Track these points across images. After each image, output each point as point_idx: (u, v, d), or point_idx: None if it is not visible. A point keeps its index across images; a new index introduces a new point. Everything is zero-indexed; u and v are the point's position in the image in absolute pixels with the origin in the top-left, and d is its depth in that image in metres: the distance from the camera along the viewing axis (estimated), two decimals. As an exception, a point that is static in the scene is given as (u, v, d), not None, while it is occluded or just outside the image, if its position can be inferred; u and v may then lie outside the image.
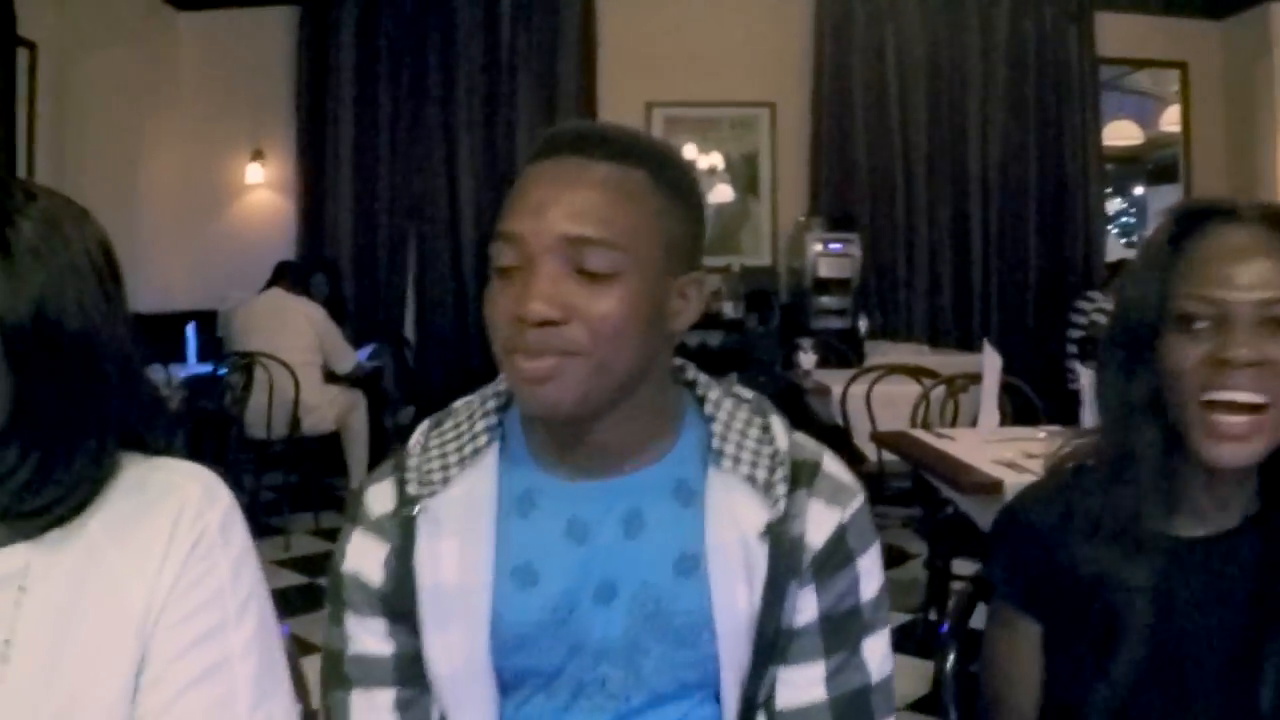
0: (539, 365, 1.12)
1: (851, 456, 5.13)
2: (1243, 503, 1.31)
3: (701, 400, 1.28)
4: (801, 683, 1.22)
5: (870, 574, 1.24)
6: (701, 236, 1.24)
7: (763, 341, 7.46)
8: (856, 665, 1.23)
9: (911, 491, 4.80)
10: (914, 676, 3.59)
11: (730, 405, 1.27)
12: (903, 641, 4.03)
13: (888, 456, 4.49)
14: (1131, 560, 1.27)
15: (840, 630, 1.22)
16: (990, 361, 4.00)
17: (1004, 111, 8.30)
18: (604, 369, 1.14)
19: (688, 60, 8.19)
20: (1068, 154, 8.36)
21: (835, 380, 5.41)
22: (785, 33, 8.29)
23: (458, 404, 1.30)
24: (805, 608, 1.21)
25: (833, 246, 7.59)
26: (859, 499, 1.24)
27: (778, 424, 1.25)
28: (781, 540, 1.19)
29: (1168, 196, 9.03)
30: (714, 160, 8.39)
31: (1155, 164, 10.11)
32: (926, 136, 8.26)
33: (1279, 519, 1.30)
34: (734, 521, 1.19)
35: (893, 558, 5.48)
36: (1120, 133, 9.25)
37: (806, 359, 5.87)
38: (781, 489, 1.20)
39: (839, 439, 5.23)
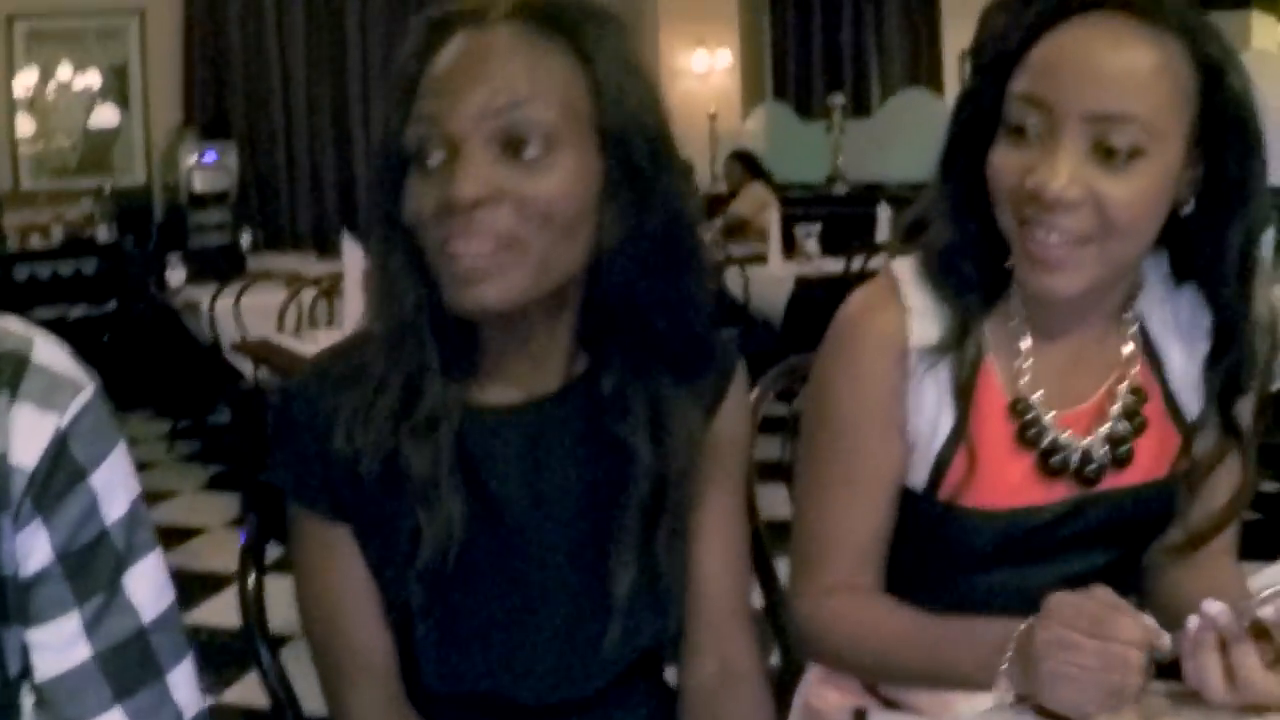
0: None
1: (225, 374, 4.87)
2: (564, 364, 1.12)
3: None
4: (57, 643, 0.94)
5: (115, 488, 0.96)
6: None
7: (139, 264, 6.92)
8: (122, 606, 0.96)
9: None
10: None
11: None
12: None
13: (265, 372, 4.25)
14: (423, 439, 1.06)
15: (88, 568, 0.94)
16: (350, 257, 3.85)
17: (385, 9, 8.15)
18: None
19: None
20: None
21: (206, 295, 5.09)
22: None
23: None
24: (34, 549, 0.92)
25: (207, 158, 7.22)
26: (86, 394, 0.94)
27: None
28: None
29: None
30: (90, 80, 7.62)
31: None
32: (304, 37, 8.00)
33: (603, 379, 1.10)
34: None
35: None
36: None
37: (175, 276, 5.49)
38: None
39: (212, 357, 4.96)
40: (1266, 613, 0.95)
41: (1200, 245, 1.19)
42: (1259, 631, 0.97)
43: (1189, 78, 1.09)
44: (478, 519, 1.08)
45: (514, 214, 0.99)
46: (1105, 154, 1.07)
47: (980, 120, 1.16)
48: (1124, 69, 1.08)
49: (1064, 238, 1.09)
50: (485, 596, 1.11)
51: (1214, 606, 0.95)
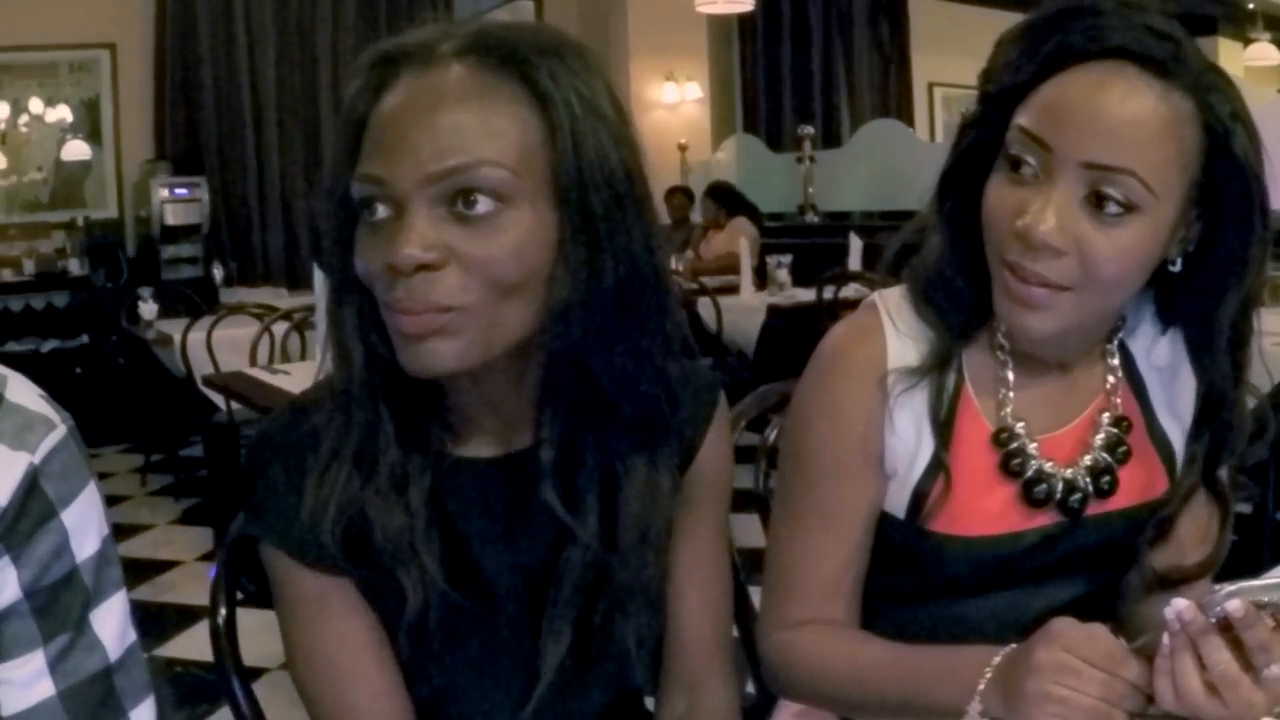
0: None
1: (198, 407, 4.85)
2: (534, 417, 1.02)
3: None
4: (22, 680, 0.94)
5: (85, 527, 0.96)
6: None
7: (111, 298, 6.90)
8: (87, 645, 0.96)
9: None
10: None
11: None
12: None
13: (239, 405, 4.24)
14: (391, 498, 1.00)
15: (55, 606, 0.95)
16: (321, 289, 3.85)
17: (356, 42, 8.10)
18: None
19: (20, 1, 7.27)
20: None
21: (179, 329, 5.06)
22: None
23: None
24: (1, 586, 0.93)
25: (179, 192, 7.22)
26: (58, 433, 0.94)
27: None
28: None
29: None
30: (62, 114, 7.60)
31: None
32: (276, 72, 7.96)
33: (541, 452, 1.02)
34: None
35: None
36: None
37: (148, 309, 5.48)
38: None
39: (185, 390, 4.95)
40: (1233, 606, 0.88)
41: (1191, 309, 1.18)
42: (1231, 637, 0.90)
43: (1194, 140, 1.07)
44: (455, 574, 1.03)
45: (460, 276, 0.91)
46: (1097, 204, 1.05)
47: (982, 147, 1.15)
48: (1128, 123, 1.04)
49: (1044, 281, 1.08)
50: (465, 654, 1.08)
51: (1179, 603, 0.90)
